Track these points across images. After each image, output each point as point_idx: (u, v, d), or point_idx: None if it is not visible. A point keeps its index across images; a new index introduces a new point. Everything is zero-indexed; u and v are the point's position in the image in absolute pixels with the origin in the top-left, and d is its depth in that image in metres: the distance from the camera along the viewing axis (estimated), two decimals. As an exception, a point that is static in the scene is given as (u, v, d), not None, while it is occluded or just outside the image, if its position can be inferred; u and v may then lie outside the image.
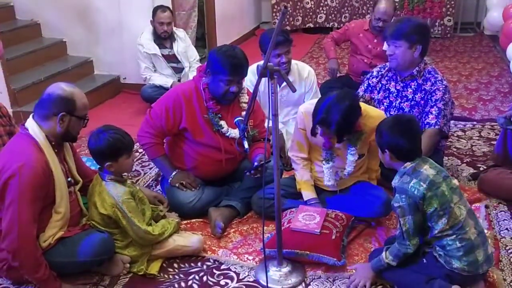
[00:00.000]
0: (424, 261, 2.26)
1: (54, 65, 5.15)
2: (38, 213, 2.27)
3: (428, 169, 2.22)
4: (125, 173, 2.66)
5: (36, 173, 2.22)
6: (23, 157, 2.24)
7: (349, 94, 2.60)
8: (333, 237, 2.56)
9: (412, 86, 3.10)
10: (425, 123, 3.03)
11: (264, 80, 2.15)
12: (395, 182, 2.26)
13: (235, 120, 2.79)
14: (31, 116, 2.39)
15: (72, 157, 2.56)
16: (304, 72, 3.65)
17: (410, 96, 3.10)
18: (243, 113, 2.90)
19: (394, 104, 3.18)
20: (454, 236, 2.17)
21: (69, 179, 2.46)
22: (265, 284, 2.36)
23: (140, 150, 3.63)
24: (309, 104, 2.84)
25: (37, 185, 2.24)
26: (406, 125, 2.29)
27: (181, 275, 2.53)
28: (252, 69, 3.23)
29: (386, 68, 3.21)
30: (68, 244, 2.36)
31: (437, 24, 7.31)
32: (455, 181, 2.28)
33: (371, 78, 3.29)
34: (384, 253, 2.32)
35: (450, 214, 2.17)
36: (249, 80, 3.40)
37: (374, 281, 2.38)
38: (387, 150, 2.29)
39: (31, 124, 2.35)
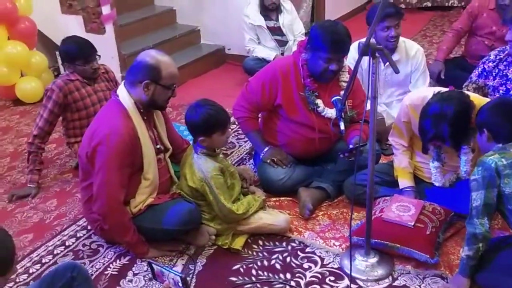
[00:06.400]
0: None
1: (163, 32, 5.27)
2: (126, 179, 2.33)
3: None
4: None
5: (122, 141, 2.27)
6: (111, 124, 2.30)
7: (451, 97, 2.35)
8: (428, 232, 2.39)
9: (535, 74, 2.78)
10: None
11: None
12: None
13: (333, 99, 2.67)
14: (122, 82, 2.44)
15: (164, 124, 2.59)
16: (412, 51, 3.41)
17: (531, 85, 2.79)
18: (342, 92, 2.76)
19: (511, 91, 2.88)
20: None
21: (158, 146, 2.49)
22: (349, 272, 2.27)
23: (236, 123, 3.63)
24: (415, 96, 2.65)
25: (124, 152, 2.28)
26: (509, 106, 2.17)
27: (265, 253, 2.50)
28: (355, 46, 3.06)
29: (506, 52, 2.90)
30: (156, 211, 2.41)
31: None
32: None
33: (487, 62, 3.01)
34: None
35: None
36: (352, 57, 3.24)
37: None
38: (485, 130, 2.16)
39: (121, 91, 2.39)
